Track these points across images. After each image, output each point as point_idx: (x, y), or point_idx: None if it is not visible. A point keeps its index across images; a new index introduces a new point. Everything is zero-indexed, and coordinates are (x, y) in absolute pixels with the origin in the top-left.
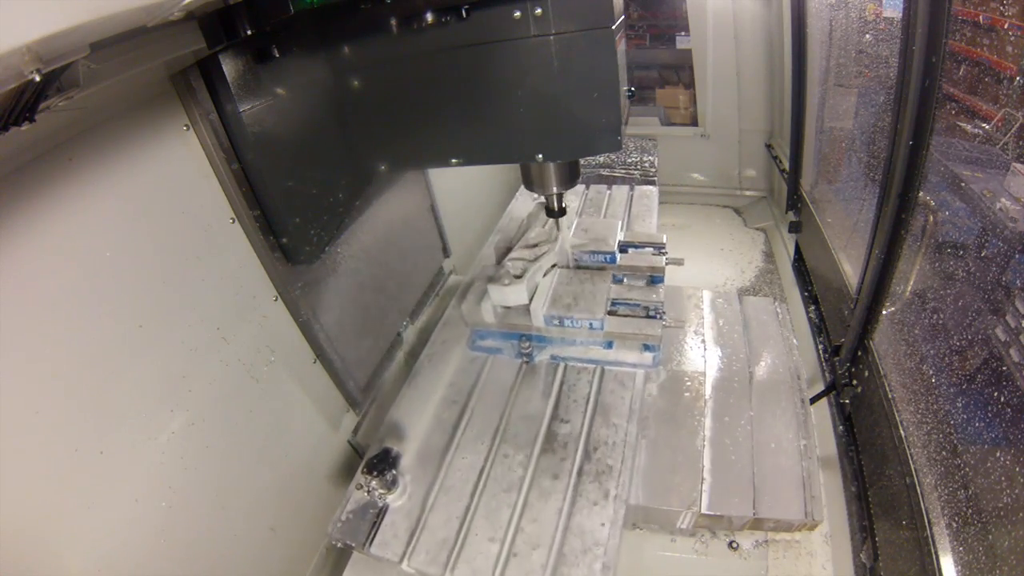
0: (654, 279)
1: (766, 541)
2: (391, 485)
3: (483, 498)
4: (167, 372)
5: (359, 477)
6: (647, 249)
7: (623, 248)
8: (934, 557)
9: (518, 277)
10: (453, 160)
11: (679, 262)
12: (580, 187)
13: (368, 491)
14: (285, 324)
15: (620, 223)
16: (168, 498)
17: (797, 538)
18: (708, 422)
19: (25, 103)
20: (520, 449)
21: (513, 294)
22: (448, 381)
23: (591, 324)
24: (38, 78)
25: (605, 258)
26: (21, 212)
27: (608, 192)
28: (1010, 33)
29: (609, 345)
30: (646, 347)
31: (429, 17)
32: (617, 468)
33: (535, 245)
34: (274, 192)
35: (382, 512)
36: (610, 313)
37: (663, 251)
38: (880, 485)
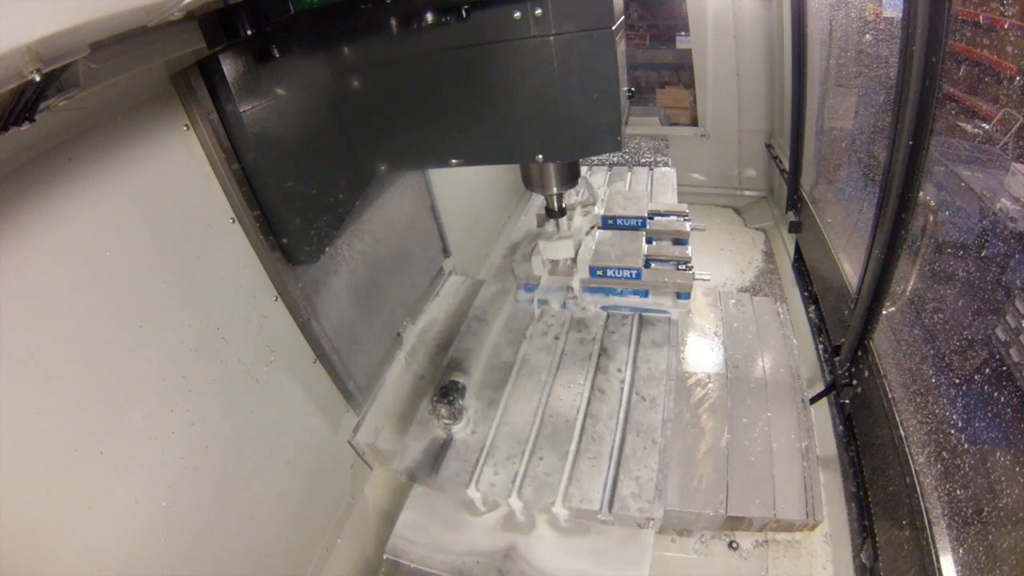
0: (679, 241)
1: (766, 541)
2: (457, 415)
3: (543, 423)
4: (167, 372)
5: (427, 405)
6: (671, 217)
7: (650, 215)
8: (934, 557)
9: (565, 234)
10: (453, 160)
11: (701, 228)
12: (602, 168)
13: (437, 417)
14: (285, 324)
15: (647, 193)
16: (168, 498)
17: (797, 538)
18: (722, 424)
19: (25, 103)
20: (574, 379)
21: (562, 248)
22: (501, 327)
23: (631, 274)
24: (38, 78)
25: (638, 222)
26: (21, 212)
27: (630, 173)
28: (1010, 33)
29: (645, 294)
30: (678, 295)
31: (429, 17)
32: (661, 400)
33: (574, 208)
34: (274, 192)
35: (447, 443)
36: (645, 267)
37: (687, 218)
38: (880, 485)
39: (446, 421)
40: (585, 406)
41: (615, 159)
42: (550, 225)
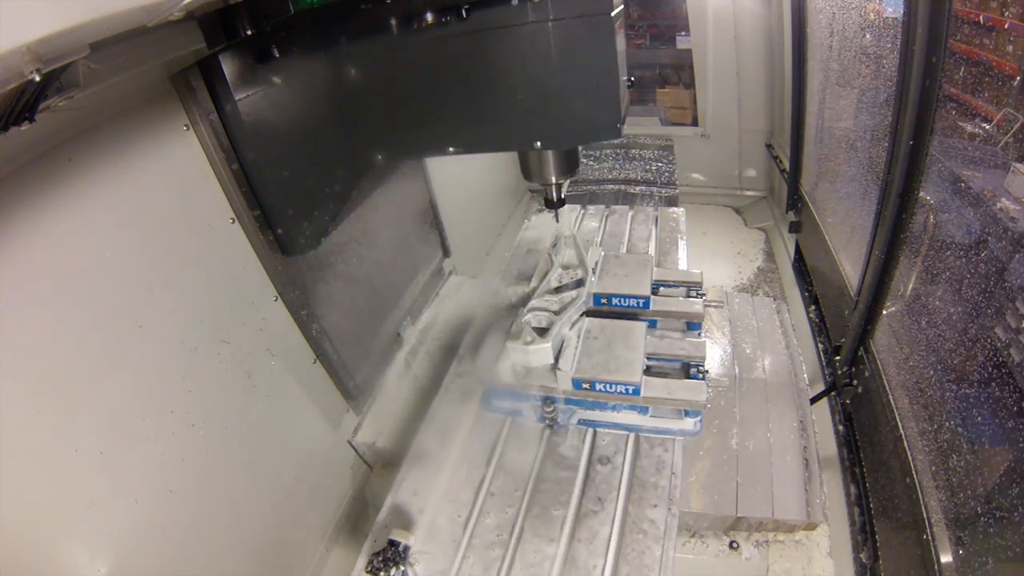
0: (691, 325)
1: (766, 541)
2: None
3: None
4: (167, 372)
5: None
6: (681, 290)
7: (654, 287)
8: (934, 557)
9: (541, 332)
10: (451, 148)
11: (719, 304)
12: (601, 207)
13: None
14: (285, 324)
15: (651, 257)
16: (168, 498)
17: (797, 538)
18: (725, 425)
19: (25, 103)
20: (545, 531)
21: (537, 355)
22: (460, 451)
23: (627, 389)
24: (38, 78)
25: (638, 303)
26: (21, 212)
27: (630, 213)
28: (1010, 33)
29: (645, 411)
30: (687, 412)
31: (429, 17)
32: (656, 563)
33: (558, 288)
34: (272, 186)
35: None
36: (646, 372)
37: (700, 292)
38: (880, 485)
39: None
40: (560, 560)
41: (614, 172)
42: (520, 321)
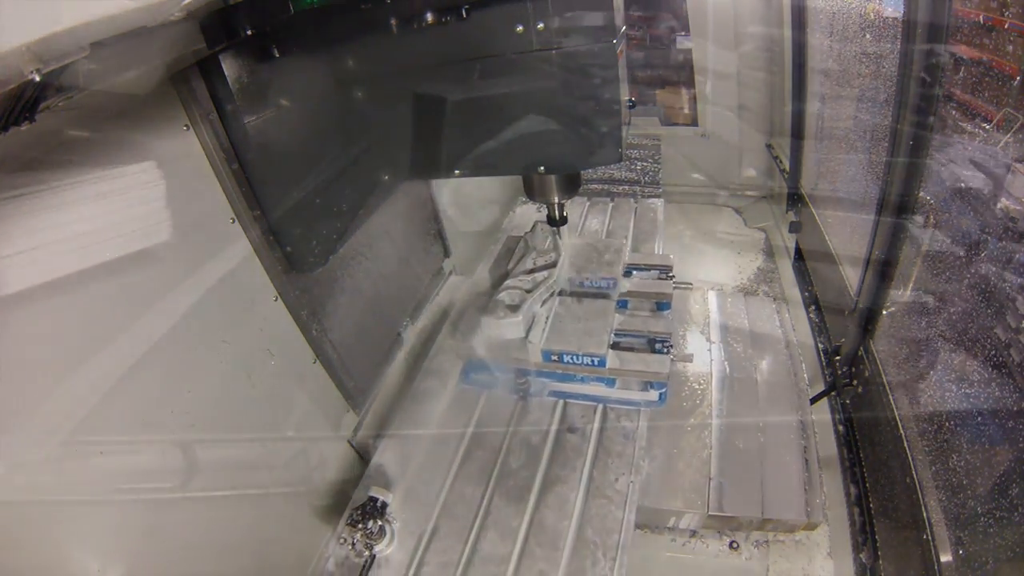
0: (660, 306)
1: (766, 541)
2: (377, 536)
3: (478, 546)
4: (166, 373)
5: (342, 530)
6: (653, 272)
7: (627, 271)
8: (934, 557)
9: (513, 308)
10: (456, 171)
11: (688, 286)
12: (583, 200)
13: (352, 544)
14: (285, 324)
15: (625, 243)
16: (168, 499)
17: (797, 538)
18: (713, 422)
19: (25, 103)
20: (516, 493)
21: (508, 328)
22: (439, 420)
23: (592, 361)
24: (38, 78)
25: (608, 284)
26: (21, 212)
27: (611, 204)
28: (1011, 33)
29: (612, 383)
30: (651, 384)
31: (429, 17)
32: (619, 525)
33: (533, 270)
34: (276, 197)
35: (368, 563)
36: (613, 347)
37: (670, 275)
38: (880, 485)
39: (367, 542)
40: (527, 522)
41: (598, 170)
42: (495, 298)
